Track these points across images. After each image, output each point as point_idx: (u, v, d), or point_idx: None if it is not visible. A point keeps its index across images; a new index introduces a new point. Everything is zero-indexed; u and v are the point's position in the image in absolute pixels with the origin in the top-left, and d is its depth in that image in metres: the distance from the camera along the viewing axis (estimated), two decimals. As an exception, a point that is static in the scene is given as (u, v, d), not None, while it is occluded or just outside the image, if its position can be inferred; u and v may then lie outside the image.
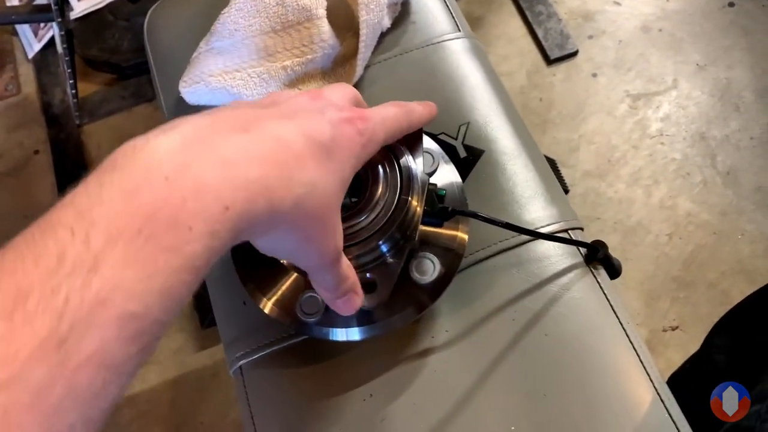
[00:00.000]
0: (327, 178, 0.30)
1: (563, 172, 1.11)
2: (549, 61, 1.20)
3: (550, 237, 0.46)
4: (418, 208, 0.41)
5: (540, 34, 1.22)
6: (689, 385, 0.65)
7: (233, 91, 0.52)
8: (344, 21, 0.53)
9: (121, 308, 0.21)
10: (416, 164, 0.42)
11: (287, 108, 0.31)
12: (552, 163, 1.11)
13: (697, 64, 1.18)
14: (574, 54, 1.21)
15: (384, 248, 0.40)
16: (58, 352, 0.20)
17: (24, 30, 1.40)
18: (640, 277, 1.01)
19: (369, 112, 0.35)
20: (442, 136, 0.51)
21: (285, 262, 0.42)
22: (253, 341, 0.46)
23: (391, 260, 0.40)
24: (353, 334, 0.42)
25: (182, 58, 0.55)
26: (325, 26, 0.51)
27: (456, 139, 0.51)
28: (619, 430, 0.40)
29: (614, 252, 1.03)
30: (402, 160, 0.41)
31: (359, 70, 0.53)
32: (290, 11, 0.51)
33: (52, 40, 1.36)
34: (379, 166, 0.40)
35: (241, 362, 0.46)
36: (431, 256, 0.43)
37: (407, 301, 0.42)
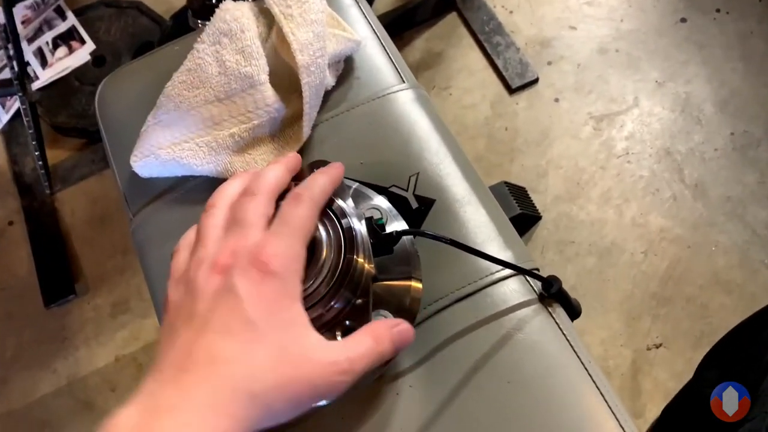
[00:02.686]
0: (265, 342, 0.33)
1: (534, 198, 1.12)
2: (511, 90, 1.22)
3: (497, 260, 0.45)
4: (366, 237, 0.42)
5: (500, 64, 1.24)
6: (683, 418, 0.65)
7: (183, 162, 0.52)
8: (288, 83, 0.54)
9: None
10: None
11: (204, 311, 0.34)
12: (522, 190, 1.12)
13: (656, 81, 1.20)
14: (535, 81, 1.22)
15: (348, 292, 0.40)
16: None
17: (-9, 103, 1.41)
18: (619, 297, 1.01)
19: (272, 246, 0.36)
20: (393, 189, 0.52)
21: None
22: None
23: (359, 301, 0.41)
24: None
25: (134, 131, 0.55)
26: (268, 91, 0.51)
27: (407, 190, 0.52)
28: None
29: (591, 274, 1.04)
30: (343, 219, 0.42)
31: (306, 130, 0.53)
32: (233, 80, 0.51)
33: (19, 110, 1.36)
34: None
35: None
36: (385, 312, 0.43)
37: None
